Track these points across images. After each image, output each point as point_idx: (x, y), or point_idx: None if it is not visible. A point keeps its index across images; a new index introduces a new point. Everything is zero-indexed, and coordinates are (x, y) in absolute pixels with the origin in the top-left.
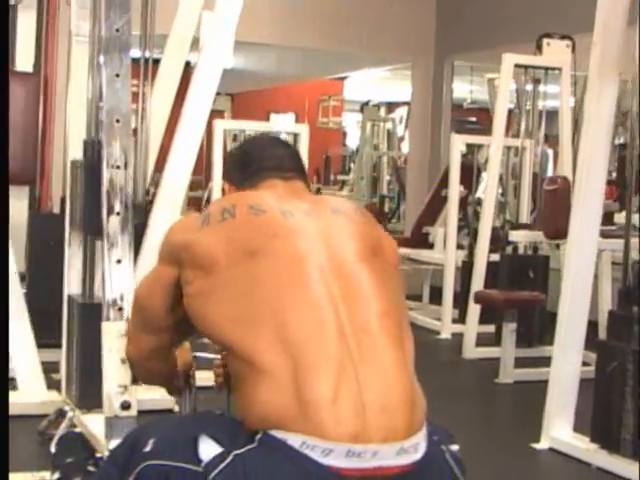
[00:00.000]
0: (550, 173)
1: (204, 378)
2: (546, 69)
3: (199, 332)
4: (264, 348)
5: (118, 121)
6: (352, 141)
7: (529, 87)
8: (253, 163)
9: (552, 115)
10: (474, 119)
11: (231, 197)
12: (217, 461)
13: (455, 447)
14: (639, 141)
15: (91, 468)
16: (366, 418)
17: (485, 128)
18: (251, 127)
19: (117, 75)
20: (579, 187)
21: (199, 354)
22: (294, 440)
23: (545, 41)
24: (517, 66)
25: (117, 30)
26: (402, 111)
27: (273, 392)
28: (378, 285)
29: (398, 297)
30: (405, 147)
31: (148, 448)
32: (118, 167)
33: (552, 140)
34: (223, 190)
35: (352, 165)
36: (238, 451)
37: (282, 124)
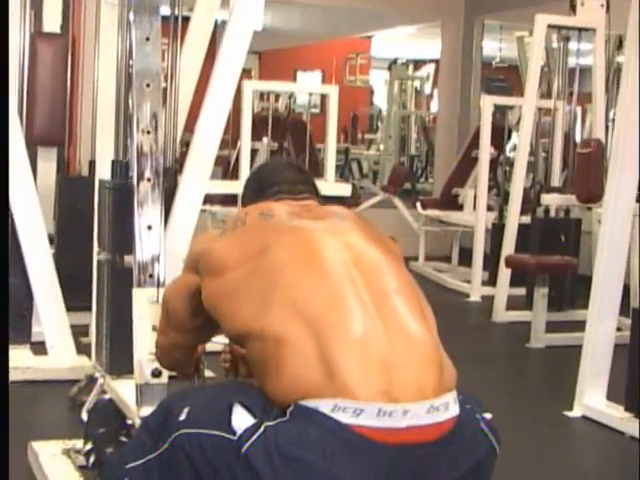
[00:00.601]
0: (578, 132)
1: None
2: (580, 30)
3: (223, 332)
4: (285, 323)
5: (148, 85)
6: (379, 99)
7: (560, 45)
8: (267, 188)
9: (582, 73)
10: (502, 77)
11: (244, 208)
12: (250, 432)
13: (488, 415)
14: None
15: (123, 438)
16: (393, 377)
17: (513, 86)
18: (279, 88)
19: (147, 39)
20: (616, 149)
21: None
22: (325, 405)
23: (579, 0)
24: (550, 26)
25: None
26: (429, 68)
27: (299, 363)
28: (391, 264)
29: (412, 280)
30: (433, 106)
31: (183, 417)
32: (148, 132)
33: (582, 98)
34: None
35: (379, 124)
36: (270, 423)
37: (309, 83)
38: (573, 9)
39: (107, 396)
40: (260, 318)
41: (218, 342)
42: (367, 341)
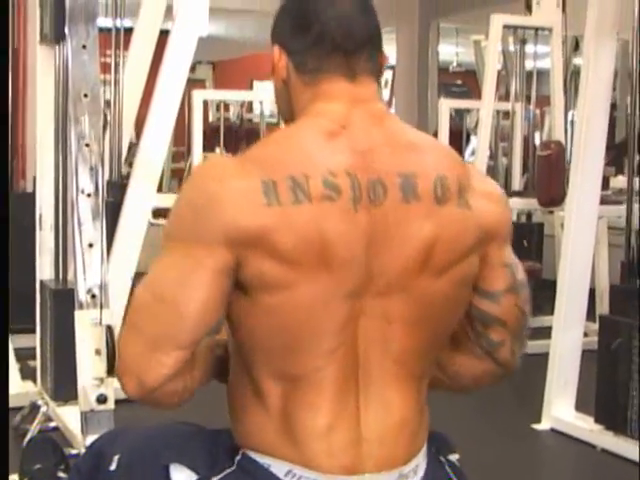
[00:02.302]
0: (537, 135)
1: None
2: (536, 29)
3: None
4: (267, 369)
5: (86, 95)
6: None
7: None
8: (313, 25)
9: (540, 76)
10: (460, 82)
11: (295, 156)
12: None
13: (455, 456)
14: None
15: (61, 474)
16: (362, 451)
17: (471, 91)
18: (231, 97)
19: (84, 47)
20: (578, 151)
21: None
22: (278, 467)
23: (534, 0)
24: (506, 27)
25: None
26: (387, 75)
27: (262, 412)
28: (409, 326)
29: (435, 329)
30: (391, 111)
31: (113, 466)
32: (87, 145)
33: (540, 101)
34: (273, 59)
35: None
36: (215, 478)
37: (264, 92)
38: (529, 9)
39: (52, 424)
40: (256, 359)
41: None
42: (340, 411)
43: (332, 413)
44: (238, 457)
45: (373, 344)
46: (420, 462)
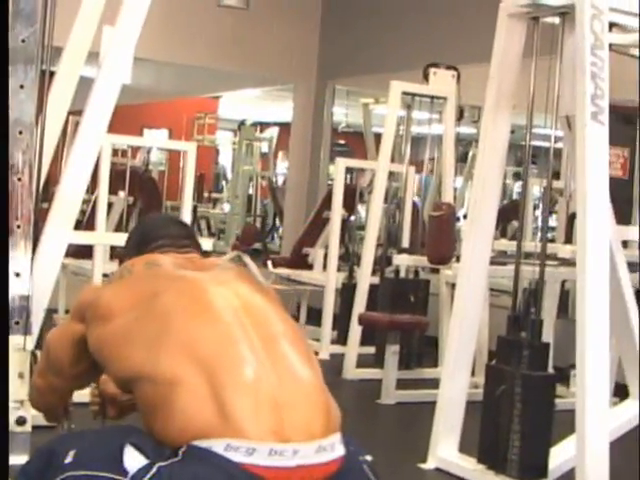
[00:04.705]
0: (416, 198)
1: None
2: (432, 97)
3: (110, 377)
4: (177, 366)
5: (21, 133)
6: (224, 159)
7: (410, 113)
8: (151, 242)
9: (418, 141)
10: (343, 142)
11: (130, 260)
12: (143, 472)
13: (369, 457)
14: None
15: None
16: (284, 417)
17: (353, 151)
18: (138, 142)
19: (21, 86)
20: (472, 214)
21: None
22: (218, 445)
23: (432, 70)
24: (405, 94)
25: (23, 41)
26: (273, 131)
27: (192, 404)
28: (277, 311)
29: (297, 326)
30: (278, 167)
31: (69, 459)
32: (20, 179)
33: (418, 164)
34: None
35: (224, 183)
36: (163, 463)
37: (161, 140)
38: (426, 78)
39: None
40: (151, 362)
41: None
42: (258, 383)
43: (251, 387)
44: (182, 449)
45: (260, 325)
46: (336, 443)
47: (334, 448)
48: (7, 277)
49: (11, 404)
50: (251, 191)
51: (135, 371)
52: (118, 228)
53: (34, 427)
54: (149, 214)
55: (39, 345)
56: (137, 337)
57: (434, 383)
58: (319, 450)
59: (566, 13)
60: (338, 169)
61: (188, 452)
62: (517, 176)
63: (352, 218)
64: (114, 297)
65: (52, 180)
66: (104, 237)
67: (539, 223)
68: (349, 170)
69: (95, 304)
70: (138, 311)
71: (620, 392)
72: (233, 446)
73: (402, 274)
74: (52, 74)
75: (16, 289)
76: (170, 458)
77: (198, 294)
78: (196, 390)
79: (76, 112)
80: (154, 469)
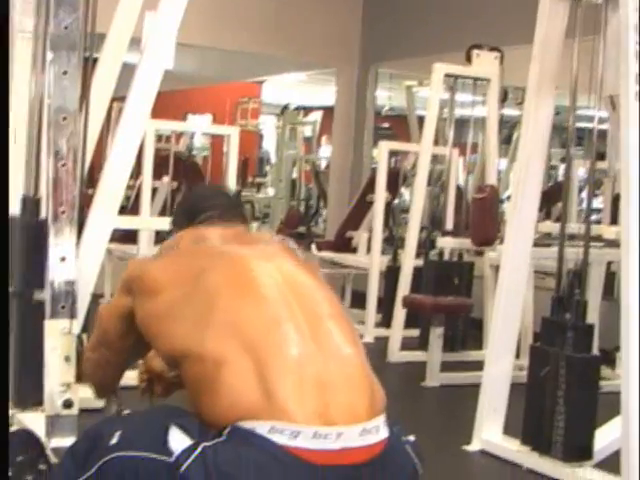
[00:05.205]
0: (461, 181)
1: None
2: (475, 79)
3: (158, 353)
4: (223, 345)
5: (65, 119)
6: (268, 144)
7: (454, 95)
8: (198, 214)
9: (464, 124)
10: (387, 125)
11: (177, 234)
12: (188, 453)
13: (412, 438)
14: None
15: (42, 466)
16: (328, 400)
17: (396, 134)
18: (181, 128)
19: (65, 72)
20: (516, 195)
21: None
22: (262, 427)
23: (475, 52)
24: (447, 75)
25: (66, 27)
26: (316, 115)
27: (238, 385)
28: (322, 289)
29: (341, 306)
30: (321, 151)
31: (114, 440)
32: (64, 165)
33: (463, 148)
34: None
35: (268, 168)
36: (207, 443)
37: (199, 125)
38: (469, 59)
39: (13, 428)
40: (197, 340)
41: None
42: (304, 364)
43: (297, 369)
44: (227, 430)
45: (307, 305)
46: (381, 425)
47: (378, 430)
48: (7, 274)
49: (58, 387)
50: (295, 175)
51: (181, 349)
52: (162, 213)
53: (81, 410)
54: (197, 185)
55: (85, 329)
56: (183, 314)
57: (478, 365)
58: (363, 433)
59: None
60: (381, 152)
61: (232, 433)
62: (564, 159)
63: (396, 201)
64: (161, 272)
65: (97, 166)
66: (148, 222)
67: (584, 205)
68: (392, 153)
69: (142, 278)
70: (185, 288)
71: None
72: (277, 428)
73: (446, 256)
74: (95, 61)
75: (61, 274)
76: (215, 439)
77: (244, 272)
78: (242, 371)
79: (120, 99)
80: (199, 449)
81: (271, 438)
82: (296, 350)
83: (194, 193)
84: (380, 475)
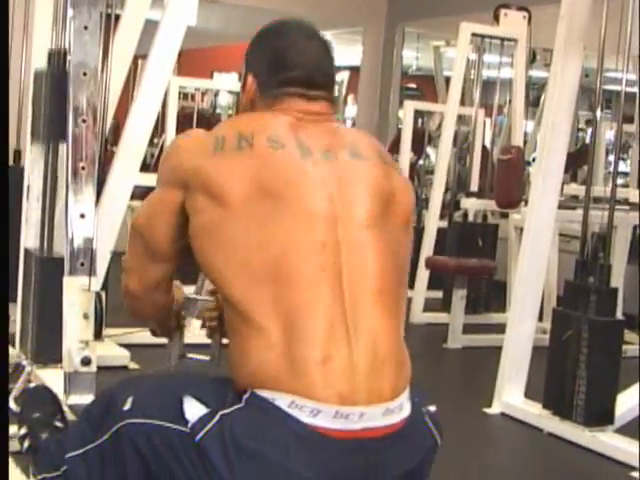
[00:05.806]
0: (487, 142)
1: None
2: (502, 39)
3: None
4: (261, 305)
5: (85, 74)
6: None
7: (481, 56)
8: (282, 70)
9: (490, 85)
10: (414, 86)
11: (248, 122)
12: (204, 422)
13: (433, 408)
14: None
15: (58, 423)
16: (354, 380)
17: (424, 95)
18: (205, 85)
19: (85, 27)
20: (541, 156)
21: (192, 295)
22: (282, 400)
23: (502, 11)
24: (474, 35)
25: None
26: (342, 75)
27: (264, 349)
28: (382, 257)
29: (400, 265)
30: (347, 111)
31: (127, 406)
32: (84, 121)
33: (490, 108)
34: (245, 82)
35: None
36: (225, 411)
37: (223, 82)
38: (496, 19)
39: (32, 384)
40: (243, 290)
41: (202, 299)
42: (335, 343)
43: (326, 345)
44: (246, 395)
45: (355, 276)
46: (404, 402)
47: (402, 408)
48: (7, 264)
49: (77, 344)
50: None
51: (222, 287)
52: None
53: (99, 367)
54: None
55: (105, 287)
56: (236, 248)
57: (501, 328)
58: (386, 413)
59: None
60: (407, 112)
61: (251, 400)
62: (590, 122)
63: (421, 162)
64: (230, 176)
65: (122, 125)
66: None
67: (611, 168)
68: (419, 113)
69: (206, 176)
70: (249, 209)
71: None
72: (298, 404)
73: (470, 218)
74: (117, 18)
75: (80, 230)
76: (233, 404)
77: (307, 223)
78: (271, 336)
79: (143, 56)
80: (216, 417)
81: (292, 413)
82: (331, 328)
83: (282, 33)
84: (399, 447)
